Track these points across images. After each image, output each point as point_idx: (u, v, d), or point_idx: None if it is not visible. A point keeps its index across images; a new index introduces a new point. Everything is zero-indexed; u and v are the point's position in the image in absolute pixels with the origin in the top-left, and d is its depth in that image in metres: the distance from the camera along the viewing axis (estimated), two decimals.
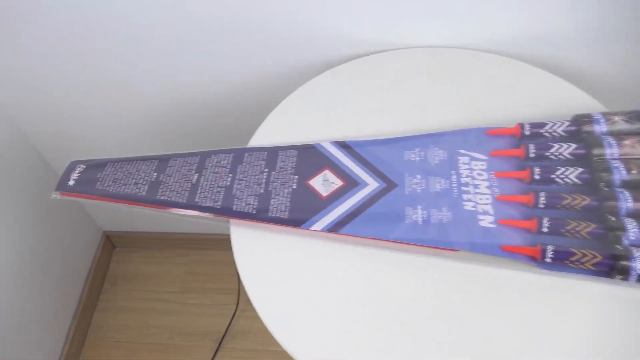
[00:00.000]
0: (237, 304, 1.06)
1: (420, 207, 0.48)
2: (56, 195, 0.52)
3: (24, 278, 0.89)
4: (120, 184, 0.52)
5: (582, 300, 0.44)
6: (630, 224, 0.44)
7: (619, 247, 0.43)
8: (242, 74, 0.69)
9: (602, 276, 0.44)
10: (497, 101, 0.57)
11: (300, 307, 0.45)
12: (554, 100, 0.56)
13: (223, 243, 1.11)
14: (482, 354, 0.42)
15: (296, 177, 0.52)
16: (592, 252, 0.43)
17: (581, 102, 0.56)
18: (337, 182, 0.51)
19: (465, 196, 0.49)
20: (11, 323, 0.85)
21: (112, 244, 1.16)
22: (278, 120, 0.58)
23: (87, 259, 1.08)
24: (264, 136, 0.56)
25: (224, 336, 1.02)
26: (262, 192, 0.51)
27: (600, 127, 0.51)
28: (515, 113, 0.56)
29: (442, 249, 0.46)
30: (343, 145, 0.54)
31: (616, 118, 0.51)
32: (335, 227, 0.48)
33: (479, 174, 0.50)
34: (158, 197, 0.51)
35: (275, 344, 0.50)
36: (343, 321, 0.44)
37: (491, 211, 0.48)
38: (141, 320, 1.06)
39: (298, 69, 0.65)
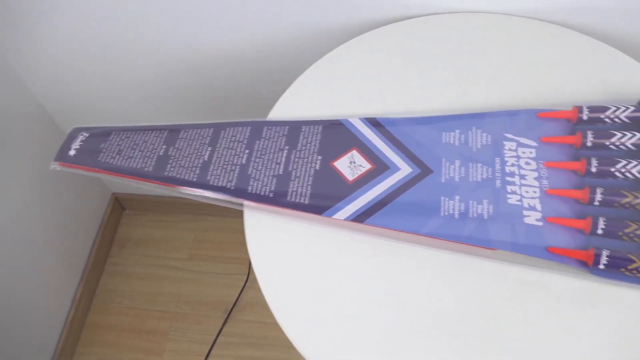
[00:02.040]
0: (248, 274, 1.04)
1: (457, 198, 0.44)
2: (55, 166, 0.49)
3: (30, 240, 0.88)
4: (126, 157, 0.49)
5: (636, 313, 0.40)
6: None
7: None
8: (266, 35, 0.63)
9: None
10: (552, 78, 0.52)
11: (316, 304, 0.42)
12: (619, 81, 0.51)
13: (234, 210, 1.08)
14: None
15: (320, 157, 0.48)
16: None
17: None
18: (366, 165, 0.47)
19: (509, 188, 0.45)
20: (16, 286, 0.84)
21: (121, 206, 1.14)
22: (303, 91, 0.53)
23: (95, 221, 1.07)
24: (286, 108, 0.52)
25: (232, 307, 1.01)
26: (280, 172, 0.47)
27: None
28: (572, 93, 0.50)
29: (479, 247, 0.43)
30: (374, 123, 0.50)
31: None
32: (361, 217, 0.44)
33: (527, 163, 0.46)
34: (166, 173, 0.48)
35: None
36: (362, 321, 0.41)
37: (538, 207, 0.44)
38: (149, 286, 1.06)
39: (327, 31, 0.59)
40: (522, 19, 0.56)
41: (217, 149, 0.49)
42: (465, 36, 0.56)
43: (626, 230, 0.41)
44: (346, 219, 0.44)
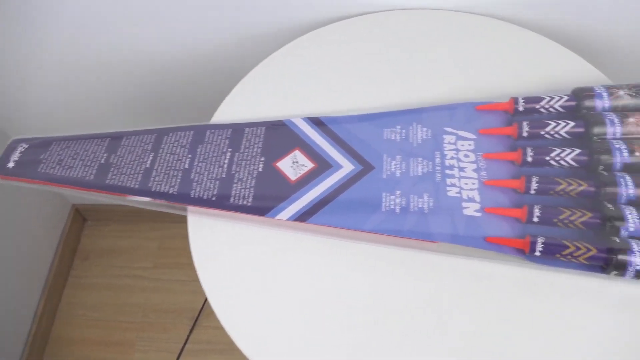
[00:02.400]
0: None
1: (398, 193, 0.45)
2: None
3: None
4: (66, 167, 0.48)
5: (572, 297, 0.41)
6: (630, 213, 0.41)
7: (616, 239, 0.40)
8: (208, 39, 0.63)
9: (596, 271, 0.41)
10: (490, 71, 0.53)
11: (260, 305, 0.42)
12: (555, 71, 0.52)
13: None
14: (463, 353, 0.39)
15: (263, 159, 0.48)
16: (587, 244, 0.41)
17: (585, 74, 0.52)
18: (308, 165, 0.47)
19: (449, 180, 0.46)
20: None
21: (82, 217, 1.13)
22: (246, 93, 0.54)
23: (55, 234, 1.05)
24: (229, 111, 0.52)
25: (199, 314, 1.00)
26: (223, 175, 0.47)
27: (603, 103, 0.47)
28: (511, 85, 0.52)
29: (421, 240, 0.43)
30: (316, 122, 0.50)
31: (621, 92, 0.47)
32: (303, 216, 0.44)
33: (466, 156, 0.47)
34: (108, 181, 0.47)
35: None
36: (306, 320, 0.41)
37: (477, 198, 0.44)
38: (114, 297, 1.04)
39: (269, 33, 0.60)
40: (459, 14, 0.58)
41: (159, 154, 0.49)
42: (404, 33, 0.56)
43: (561, 217, 0.42)
44: (289, 219, 0.44)
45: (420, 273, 0.43)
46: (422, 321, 0.41)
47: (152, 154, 0.49)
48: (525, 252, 0.42)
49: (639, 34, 0.58)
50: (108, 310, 1.03)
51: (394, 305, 0.42)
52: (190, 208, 0.47)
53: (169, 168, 0.48)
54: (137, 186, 0.47)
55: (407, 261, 0.43)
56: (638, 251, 0.40)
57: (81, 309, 1.04)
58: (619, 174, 0.44)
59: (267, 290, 0.43)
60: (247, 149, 0.49)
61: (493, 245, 0.42)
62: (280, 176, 0.47)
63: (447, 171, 0.46)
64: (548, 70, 0.53)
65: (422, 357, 0.39)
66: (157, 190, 0.46)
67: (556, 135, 0.47)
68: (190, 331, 0.98)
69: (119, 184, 0.47)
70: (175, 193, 0.46)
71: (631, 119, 0.46)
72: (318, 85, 0.53)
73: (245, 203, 0.45)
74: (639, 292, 0.41)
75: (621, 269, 0.40)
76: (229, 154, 0.48)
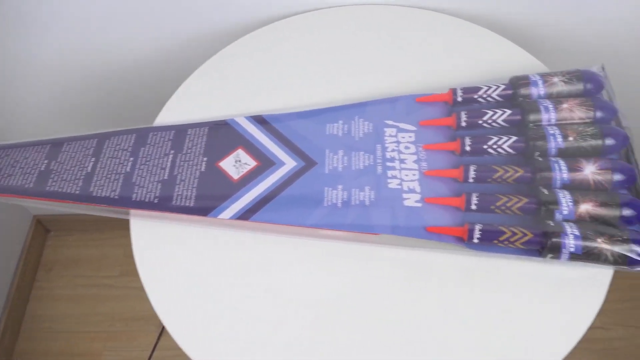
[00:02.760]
0: None
1: (340, 187, 0.46)
2: None
3: None
4: (5, 175, 0.48)
5: (511, 282, 0.42)
6: (564, 197, 0.42)
7: (550, 223, 0.42)
8: (148, 43, 0.63)
9: (534, 255, 0.42)
10: (432, 64, 0.54)
11: (203, 306, 0.42)
12: (494, 61, 0.54)
13: None
14: (407, 342, 0.40)
15: (205, 159, 0.48)
16: (523, 229, 0.42)
17: (524, 63, 0.53)
18: (251, 163, 0.48)
19: (390, 173, 0.46)
20: None
21: (45, 228, 1.11)
22: (189, 94, 0.54)
23: (17, 246, 1.04)
24: (172, 113, 0.52)
25: None
26: (166, 177, 0.47)
27: (538, 90, 0.48)
28: (451, 76, 0.53)
29: (362, 233, 0.44)
30: (259, 120, 0.50)
31: (555, 79, 0.48)
32: (246, 215, 0.45)
33: (407, 147, 0.48)
34: (48, 188, 0.47)
35: None
36: (251, 319, 0.41)
37: (418, 189, 0.45)
38: (81, 307, 1.03)
39: (212, 34, 0.60)
40: (399, 8, 0.58)
41: (100, 159, 0.49)
42: (346, 29, 0.57)
43: (497, 204, 0.43)
44: (231, 218, 0.45)
45: (363, 265, 0.43)
46: (365, 313, 0.41)
47: (93, 159, 0.49)
48: (464, 240, 0.42)
49: (572, 22, 0.59)
50: (74, 321, 1.01)
51: (336, 298, 0.42)
52: (132, 212, 0.46)
53: (110, 172, 0.48)
54: (77, 192, 0.46)
55: (350, 254, 0.44)
56: (571, 233, 0.41)
57: (46, 322, 1.02)
58: (553, 159, 0.45)
59: (211, 291, 0.43)
60: (189, 150, 0.49)
61: (433, 234, 0.43)
62: (223, 176, 0.47)
63: (388, 163, 0.47)
64: (488, 61, 0.54)
65: (367, 349, 0.40)
66: (98, 195, 0.46)
67: (494, 124, 0.48)
68: (158, 338, 0.98)
69: (59, 190, 0.47)
70: (116, 197, 0.46)
71: (565, 105, 0.47)
72: (262, 84, 0.54)
73: (187, 204, 0.45)
74: (576, 273, 0.42)
75: (556, 251, 0.41)
76: (171, 156, 0.48)
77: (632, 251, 0.40)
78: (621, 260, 0.40)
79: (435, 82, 0.52)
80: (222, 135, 0.50)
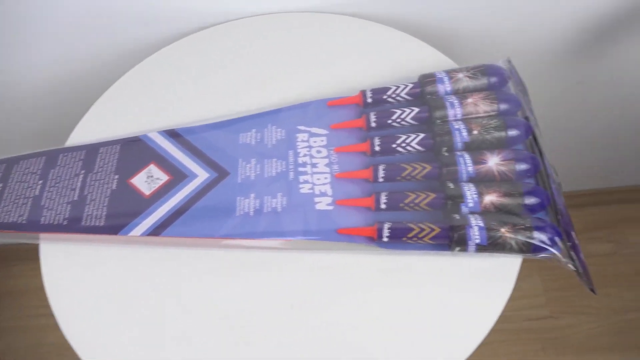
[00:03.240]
0: None
1: (253, 195, 0.46)
2: None
3: None
4: None
5: (425, 279, 0.43)
6: (468, 190, 0.43)
7: (456, 216, 0.42)
8: (58, 62, 0.62)
9: (444, 250, 0.43)
10: (343, 67, 0.55)
11: (121, 332, 0.42)
12: (405, 61, 0.55)
13: None
14: (324, 346, 0.40)
15: (117, 177, 0.48)
16: (431, 225, 0.42)
17: (435, 61, 0.55)
18: (163, 177, 0.47)
19: (302, 178, 0.47)
20: None
21: None
22: (103, 112, 0.53)
23: None
24: (85, 133, 0.52)
25: None
26: (76, 198, 0.47)
27: (445, 87, 0.49)
28: (364, 79, 0.53)
29: (275, 240, 0.44)
30: (172, 134, 0.50)
31: (460, 75, 0.50)
32: (157, 230, 0.44)
33: (318, 151, 0.48)
34: None
35: None
36: (171, 336, 0.41)
37: (329, 192, 0.46)
38: (29, 338, 1.01)
39: (123, 51, 0.60)
40: (307, 14, 0.59)
41: (9, 184, 0.48)
42: (256, 39, 0.57)
43: (406, 201, 0.44)
44: (142, 234, 0.44)
45: (278, 273, 0.44)
46: (281, 320, 0.42)
47: (1, 185, 0.48)
48: (375, 239, 0.43)
49: (476, 17, 0.61)
50: (20, 353, 0.99)
51: (251, 308, 0.42)
52: (42, 236, 0.46)
53: (18, 197, 0.47)
54: None
55: (264, 263, 0.44)
56: (476, 225, 0.42)
57: None
58: (459, 153, 0.46)
59: (123, 311, 0.42)
60: (101, 169, 0.48)
61: (345, 236, 0.43)
62: (135, 192, 0.47)
63: (300, 169, 0.47)
64: (399, 60, 0.55)
65: (284, 357, 0.40)
66: (5, 221, 0.46)
67: (403, 123, 0.49)
68: None
69: None
70: (24, 222, 0.45)
71: (469, 100, 0.48)
72: (177, 97, 0.54)
73: (97, 223, 0.45)
74: (486, 264, 0.43)
75: (463, 244, 0.42)
76: (82, 176, 0.48)
77: (534, 238, 0.41)
78: (525, 248, 0.41)
79: (348, 85, 0.53)
80: (135, 151, 0.49)
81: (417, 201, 0.44)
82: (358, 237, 0.44)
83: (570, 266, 0.42)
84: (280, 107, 0.52)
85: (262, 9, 0.58)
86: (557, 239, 0.42)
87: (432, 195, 0.44)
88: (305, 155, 0.48)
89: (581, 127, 0.82)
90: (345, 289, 0.43)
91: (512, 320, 0.92)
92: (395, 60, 0.55)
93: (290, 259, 0.44)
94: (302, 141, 0.49)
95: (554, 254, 0.41)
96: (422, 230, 0.42)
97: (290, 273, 0.44)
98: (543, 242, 0.41)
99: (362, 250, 0.44)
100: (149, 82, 0.55)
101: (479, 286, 0.42)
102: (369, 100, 0.50)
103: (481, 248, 0.42)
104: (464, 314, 0.41)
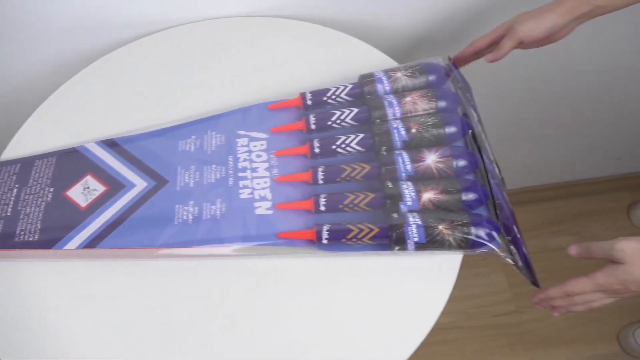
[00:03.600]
0: None
1: (191, 203, 0.45)
2: None
3: None
4: None
5: (365, 279, 0.43)
6: (407, 188, 0.44)
7: (395, 215, 0.42)
8: None
9: (384, 249, 0.43)
10: (284, 71, 0.54)
11: (53, 350, 0.41)
12: (344, 61, 0.55)
13: None
14: (272, 350, 0.40)
15: (52, 190, 0.47)
16: (370, 225, 0.42)
17: (376, 60, 0.55)
18: (100, 188, 0.47)
19: (242, 183, 0.46)
20: None
21: None
22: (39, 125, 0.52)
23: None
24: (22, 146, 0.51)
25: None
26: (9, 213, 0.46)
27: (384, 86, 0.50)
28: (306, 81, 0.53)
29: (214, 246, 0.44)
30: (109, 144, 0.50)
31: (398, 74, 0.50)
32: (93, 242, 0.44)
33: (258, 156, 0.48)
34: None
35: None
36: (111, 349, 0.40)
37: (269, 196, 0.45)
38: None
39: (60, 61, 0.58)
40: (245, 19, 0.58)
41: None
42: (197, 45, 0.57)
43: (345, 202, 0.44)
44: (78, 248, 0.43)
45: (219, 280, 0.43)
46: (223, 328, 0.41)
47: None
48: (315, 242, 0.43)
49: (413, 15, 0.61)
50: None
51: (191, 317, 0.42)
52: None
53: None
54: None
55: (205, 270, 0.44)
56: (414, 223, 0.42)
57: None
58: (397, 152, 0.46)
59: (56, 327, 0.41)
60: (35, 182, 0.47)
61: (284, 240, 0.43)
62: (71, 205, 0.46)
63: (240, 174, 0.47)
64: (341, 61, 0.55)
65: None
66: None
67: (343, 123, 0.49)
68: None
69: None
70: None
71: (408, 99, 0.48)
72: (115, 107, 0.53)
73: (31, 238, 0.44)
74: (426, 262, 0.43)
75: (401, 243, 0.42)
76: (15, 190, 0.47)
77: (471, 234, 0.41)
78: (464, 244, 0.42)
79: (290, 88, 0.53)
80: (71, 163, 0.48)
81: (356, 202, 0.44)
82: (298, 240, 0.43)
83: (509, 260, 0.42)
84: (220, 112, 0.51)
85: (199, 15, 0.58)
86: (494, 233, 0.42)
87: (371, 195, 0.44)
88: (245, 160, 0.48)
89: (533, 122, 0.83)
90: (288, 292, 0.43)
91: (477, 317, 0.93)
92: (335, 61, 0.55)
93: (231, 266, 0.44)
94: (242, 146, 0.48)
95: (492, 249, 0.42)
96: (362, 230, 0.42)
97: (231, 280, 0.43)
98: (480, 237, 0.41)
99: (305, 253, 0.44)
100: (86, 93, 0.54)
101: (420, 285, 0.42)
102: (309, 102, 0.50)
103: (420, 246, 0.42)
104: (406, 312, 0.41)
